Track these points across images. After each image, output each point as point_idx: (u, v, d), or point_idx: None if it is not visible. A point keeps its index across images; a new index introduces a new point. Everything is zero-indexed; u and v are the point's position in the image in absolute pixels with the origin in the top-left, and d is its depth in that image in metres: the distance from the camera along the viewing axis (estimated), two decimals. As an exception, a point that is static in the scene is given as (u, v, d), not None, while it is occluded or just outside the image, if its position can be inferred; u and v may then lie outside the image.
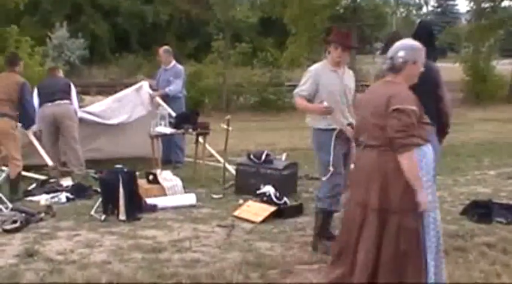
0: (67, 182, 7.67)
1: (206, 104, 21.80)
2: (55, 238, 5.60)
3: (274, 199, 6.57)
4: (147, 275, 4.65)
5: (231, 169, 8.19)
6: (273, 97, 22.81)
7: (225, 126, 7.98)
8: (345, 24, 25.58)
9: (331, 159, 5.12)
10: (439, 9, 58.06)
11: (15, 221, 5.84)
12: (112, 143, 8.97)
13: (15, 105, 7.21)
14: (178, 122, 8.27)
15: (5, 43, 19.39)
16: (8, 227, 5.77)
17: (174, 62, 9.56)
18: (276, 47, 26.93)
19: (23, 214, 6.06)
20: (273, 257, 5.03)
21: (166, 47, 9.78)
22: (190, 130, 8.27)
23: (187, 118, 8.40)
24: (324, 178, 5.17)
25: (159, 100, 9.07)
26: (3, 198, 6.64)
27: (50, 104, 8.13)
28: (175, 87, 9.27)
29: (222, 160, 8.30)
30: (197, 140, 8.59)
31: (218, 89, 23.29)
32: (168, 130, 8.14)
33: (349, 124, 5.24)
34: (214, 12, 27.59)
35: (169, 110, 8.70)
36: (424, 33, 9.50)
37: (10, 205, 6.50)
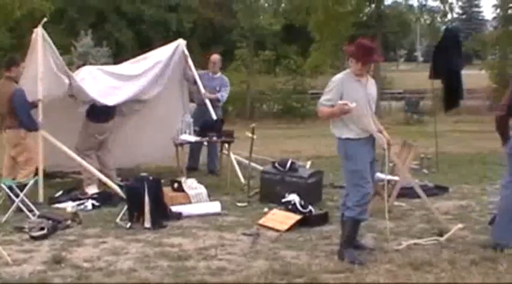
0: (92, 190, 7.72)
1: (230, 112, 21.84)
2: (82, 245, 5.64)
3: (300, 207, 6.53)
4: (173, 282, 4.65)
5: (258, 166, 8.28)
6: (296, 105, 22.79)
7: (250, 134, 7.97)
8: (369, 31, 25.48)
9: (360, 168, 5.09)
10: (464, 16, 57.56)
11: (42, 228, 5.90)
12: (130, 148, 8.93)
13: (15, 113, 7.12)
14: (202, 130, 8.29)
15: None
16: (35, 234, 5.83)
17: (219, 73, 9.60)
18: (299, 55, 26.91)
19: (50, 221, 6.12)
20: (299, 266, 5.00)
21: (219, 57, 9.79)
22: (214, 138, 8.28)
23: (212, 126, 8.41)
24: (358, 188, 5.12)
25: (208, 102, 9.00)
26: (31, 205, 6.71)
27: (107, 123, 8.16)
28: (225, 95, 9.37)
29: (241, 178, 8.35)
30: (222, 148, 8.61)
31: (242, 97, 23.33)
32: (193, 138, 8.16)
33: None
34: (237, 19, 27.69)
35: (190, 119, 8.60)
36: (451, 40, 9.52)
37: (37, 212, 6.57)
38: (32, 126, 7.25)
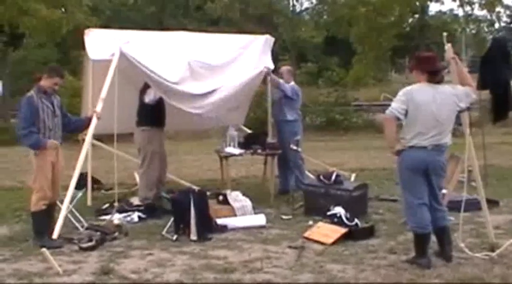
0: (137, 201, 7.81)
1: (273, 124, 21.84)
2: (129, 256, 5.71)
3: (345, 220, 6.47)
4: (219, 295, 4.67)
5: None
6: (339, 117, 22.60)
7: (294, 147, 7.96)
8: (412, 43, 25.21)
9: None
10: (512, 25, 56.29)
11: (91, 240, 6.01)
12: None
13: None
14: (247, 143, 8.32)
15: (79, 66, 20.14)
16: (84, 245, 5.94)
17: (293, 82, 9.11)
18: (341, 66, 26.83)
19: (98, 233, 6.22)
20: (345, 280, 4.95)
21: (289, 68, 9.54)
22: (259, 151, 8.29)
23: (256, 139, 8.44)
24: None
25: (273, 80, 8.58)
26: (79, 216, 6.83)
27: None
28: (289, 88, 8.79)
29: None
30: (266, 161, 8.62)
31: (284, 109, 23.33)
32: (237, 150, 8.19)
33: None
34: (279, 32, 27.79)
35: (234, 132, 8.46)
36: (499, 50, 9.32)
37: (85, 224, 6.68)
38: (26, 143, 6.08)
